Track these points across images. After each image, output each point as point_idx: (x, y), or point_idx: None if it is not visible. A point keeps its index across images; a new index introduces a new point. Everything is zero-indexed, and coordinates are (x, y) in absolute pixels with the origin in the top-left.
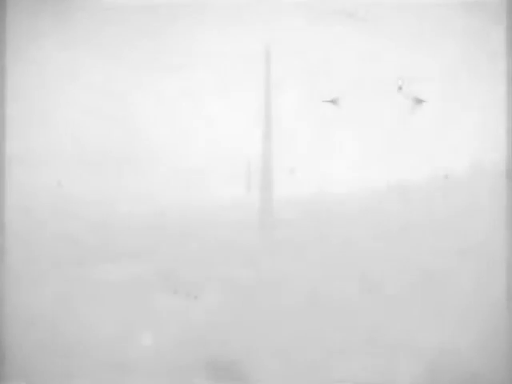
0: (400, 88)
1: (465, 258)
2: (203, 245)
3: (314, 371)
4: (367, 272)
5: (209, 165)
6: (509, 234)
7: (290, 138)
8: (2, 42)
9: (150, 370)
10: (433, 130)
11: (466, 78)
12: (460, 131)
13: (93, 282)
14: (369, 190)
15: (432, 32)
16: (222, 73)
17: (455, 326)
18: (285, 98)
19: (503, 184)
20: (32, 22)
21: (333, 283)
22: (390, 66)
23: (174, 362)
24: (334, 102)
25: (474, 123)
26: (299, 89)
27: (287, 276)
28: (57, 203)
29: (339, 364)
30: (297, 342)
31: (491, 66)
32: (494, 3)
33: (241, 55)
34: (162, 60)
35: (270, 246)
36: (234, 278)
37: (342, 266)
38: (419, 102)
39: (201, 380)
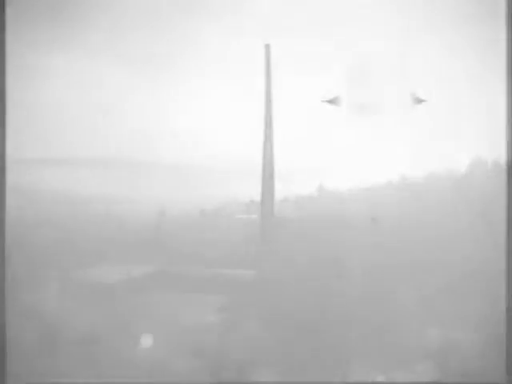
0: None
1: (465, 252)
2: (203, 243)
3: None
4: (368, 270)
5: (209, 165)
6: (508, 228)
7: (291, 137)
8: (1, 44)
9: (149, 369)
10: (434, 129)
11: (468, 78)
12: (461, 129)
13: (93, 282)
14: (370, 188)
15: (436, 33)
16: (223, 73)
17: (451, 317)
18: (286, 99)
19: (504, 179)
20: (31, 23)
21: (332, 280)
22: (392, 65)
23: (173, 362)
24: (333, 101)
25: (475, 121)
26: (299, 89)
27: (287, 274)
28: (57, 204)
29: (341, 360)
30: (296, 339)
31: (492, 65)
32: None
33: (241, 55)
34: (162, 61)
35: (270, 244)
36: (234, 276)
37: (342, 263)
38: (420, 100)
39: (200, 379)
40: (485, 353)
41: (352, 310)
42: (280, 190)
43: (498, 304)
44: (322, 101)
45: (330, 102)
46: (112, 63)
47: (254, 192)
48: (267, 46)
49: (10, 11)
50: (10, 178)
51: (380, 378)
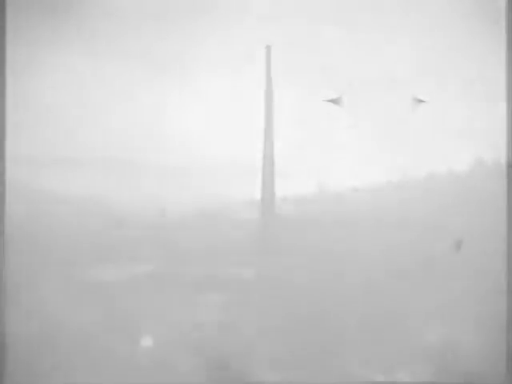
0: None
1: (466, 254)
2: (204, 244)
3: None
4: (368, 269)
5: (209, 164)
6: (509, 229)
7: (291, 137)
8: (1, 44)
9: (149, 369)
10: (434, 129)
11: (467, 77)
12: (461, 129)
13: (93, 282)
14: (370, 187)
15: (436, 32)
16: (223, 73)
17: (452, 318)
18: (286, 98)
19: (503, 180)
20: (32, 23)
21: (333, 281)
22: (391, 65)
23: (173, 362)
24: (334, 101)
25: (476, 121)
26: (300, 88)
27: (288, 274)
28: (57, 204)
29: (341, 361)
30: (296, 340)
31: (492, 65)
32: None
33: (241, 55)
34: (163, 61)
35: (271, 244)
36: (235, 276)
37: (342, 263)
38: (419, 101)
39: (200, 379)
40: (485, 353)
41: (353, 309)
42: (280, 189)
43: (499, 304)
44: (324, 100)
45: (332, 101)
46: (114, 63)
47: (254, 191)
48: (268, 47)
49: (10, 11)
50: (10, 177)
51: (380, 378)
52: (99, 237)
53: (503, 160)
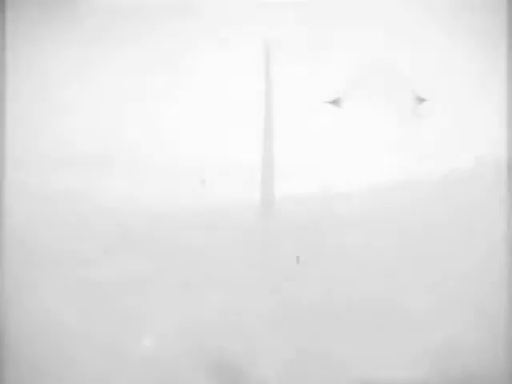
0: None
1: (466, 254)
2: (203, 244)
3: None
4: (368, 269)
5: (209, 164)
6: (509, 229)
7: (291, 137)
8: (1, 44)
9: (150, 371)
10: (435, 129)
11: (468, 77)
12: (462, 129)
13: (92, 283)
14: (371, 188)
15: (436, 31)
16: (222, 73)
17: (454, 321)
18: (286, 98)
19: (504, 180)
20: (31, 23)
21: (334, 280)
22: (392, 64)
23: (173, 363)
24: (335, 102)
25: (476, 120)
26: (300, 89)
27: (288, 274)
28: (57, 203)
29: (342, 360)
30: (296, 340)
31: (492, 64)
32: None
33: (241, 55)
34: (161, 61)
35: (271, 245)
36: (235, 277)
37: (343, 263)
38: (421, 100)
39: (200, 381)
40: (486, 353)
41: (353, 308)
42: (280, 190)
43: (499, 304)
44: (325, 101)
45: (333, 102)
46: (114, 63)
47: (254, 192)
48: (267, 46)
49: (10, 11)
50: (10, 177)
51: (380, 378)
52: (99, 236)
53: (503, 160)
